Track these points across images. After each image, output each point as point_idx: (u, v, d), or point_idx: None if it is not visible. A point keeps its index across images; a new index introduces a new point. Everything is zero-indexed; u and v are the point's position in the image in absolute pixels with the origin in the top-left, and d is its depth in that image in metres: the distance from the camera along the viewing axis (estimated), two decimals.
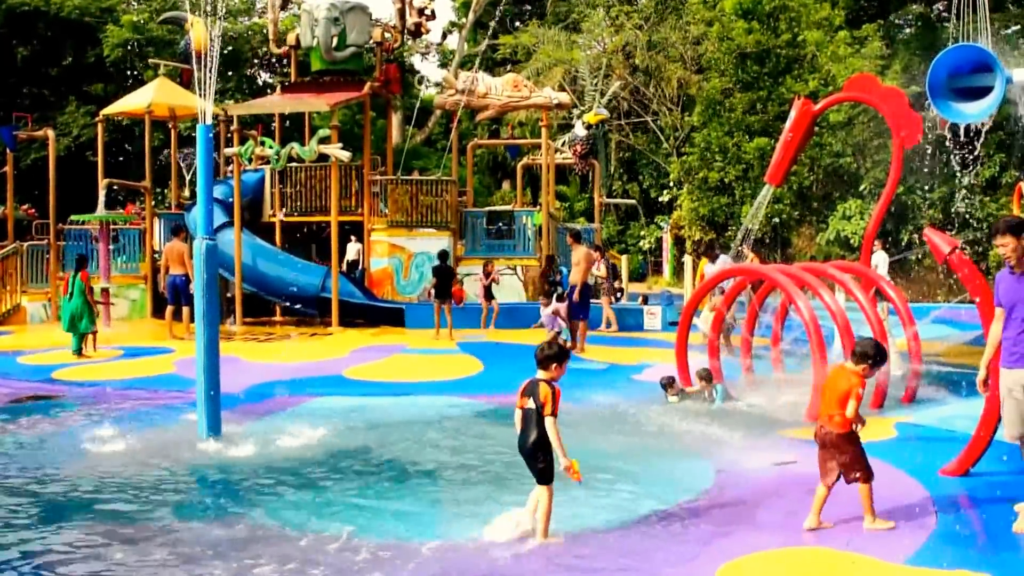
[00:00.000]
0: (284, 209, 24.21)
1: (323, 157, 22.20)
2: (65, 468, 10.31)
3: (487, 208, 27.76)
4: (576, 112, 32.22)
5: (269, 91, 40.56)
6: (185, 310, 19.90)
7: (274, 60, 44.42)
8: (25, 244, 26.68)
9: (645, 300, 24.20)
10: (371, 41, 25.34)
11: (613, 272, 23.80)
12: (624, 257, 34.02)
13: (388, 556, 7.28)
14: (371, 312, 22.50)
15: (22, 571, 7.11)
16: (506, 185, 48.30)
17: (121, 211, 28.69)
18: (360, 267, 24.94)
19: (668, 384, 13.46)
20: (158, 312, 24.11)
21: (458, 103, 25.21)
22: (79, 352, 18.53)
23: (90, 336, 18.84)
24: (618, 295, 24.34)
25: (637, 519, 8.09)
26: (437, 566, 7.04)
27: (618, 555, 7.27)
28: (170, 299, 20.59)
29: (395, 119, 34.72)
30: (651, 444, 11.06)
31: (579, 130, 29.82)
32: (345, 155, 21.75)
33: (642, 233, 44.93)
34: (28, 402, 14.88)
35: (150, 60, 36.20)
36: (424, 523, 8.17)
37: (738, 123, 35.36)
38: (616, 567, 7.04)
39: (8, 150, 28.23)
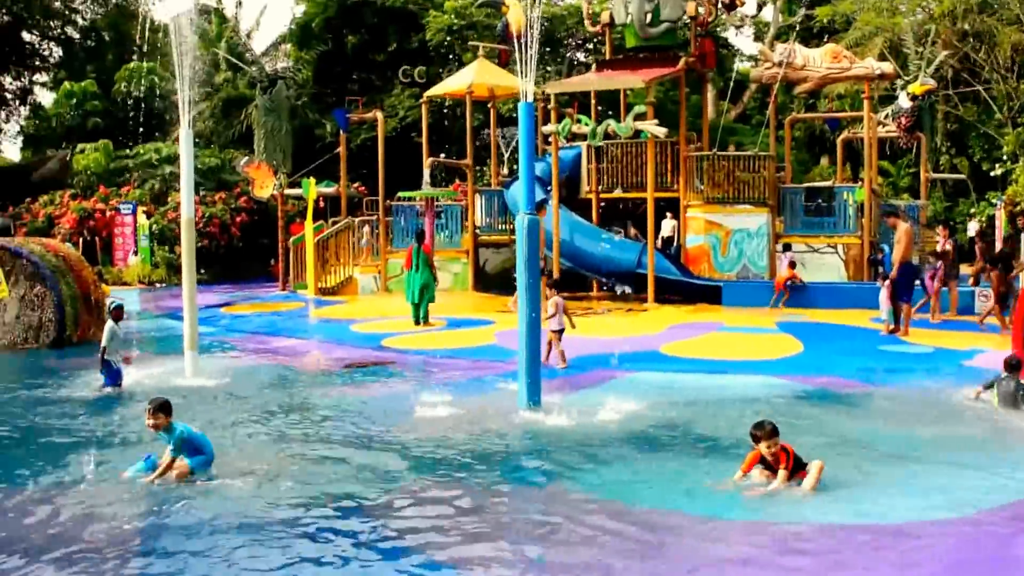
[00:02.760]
0: (600, 186, 24.43)
1: (639, 133, 22.24)
2: (394, 429, 10.88)
3: (805, 184, 27.00)
4: (900, 83, 30.67)
5: (585, 70, 41.01)
6: None
7: (589, 39, 44.87)
8: (356, 220, 28.30)
9: (976, 282, 22.85)
10: (685, 16, 25.14)
11: (990, 253, 22.43)
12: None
13: (700, 531, 7.27)
14: (687, 289, 22.39)
15: (358, 523, 7.54)
16: (824, 160, 46.73)
17: (448, 188, 29.94)
18: (675, 244, 24.85)
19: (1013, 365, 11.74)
20: (479, 285, 25.05)
21: (775, 76, 24.60)
22: (425, 320, 19.53)
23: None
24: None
25: (974, 513, 7.64)
26: (745, 545, 6.95)
27: (953, 550, 6.90)
28: None
29: (710, 94, 34.30)
30: (985, 434, 10.43)
31: (903, 102, 28.37)
32: (661, 131, 21.70)
33: (972, 210, 42.39)
34: (361, 367, 15.78)
35: (470, 43, 37.39)
36: (735, 502, 8.06)
37: None
38: (951, 562, 6.69)
39: (341, 131, 29.99)
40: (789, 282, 21.06)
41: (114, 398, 13.18)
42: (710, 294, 21.95)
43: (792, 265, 21.40)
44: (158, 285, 33.31)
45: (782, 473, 8.23)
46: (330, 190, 30.44)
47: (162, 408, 8.80)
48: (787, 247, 22.29)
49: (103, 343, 13.68)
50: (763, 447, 8.25)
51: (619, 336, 17.50)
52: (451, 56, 44.34)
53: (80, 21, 54.96)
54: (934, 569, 6.58)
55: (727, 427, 10.74)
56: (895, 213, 18.94)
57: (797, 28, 46.08)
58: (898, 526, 7.33)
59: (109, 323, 13.85)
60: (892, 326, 17.50)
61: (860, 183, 24.68)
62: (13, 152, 63.64)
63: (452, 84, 28.32)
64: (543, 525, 7.53)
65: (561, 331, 14.97)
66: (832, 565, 6.57)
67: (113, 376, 13.65)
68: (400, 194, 27.24)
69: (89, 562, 6.78)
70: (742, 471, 8.46)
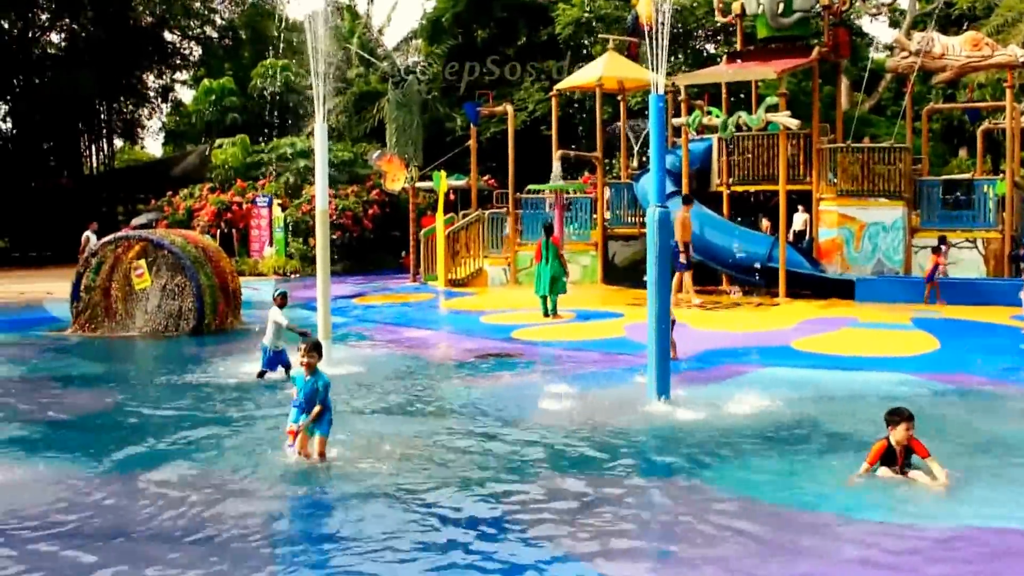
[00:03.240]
0: (731, 178, 24.18)
1: (769, 125, 21.93)
2: (523, 420, 11.03)
3: (943, 177, 26.29)
4: None
5: (715, 61, 40.61)
6: (677, 276, 20.64)
7: (719, 30, 44.44)
8: (486, 212, 28.55)
9: None
10: (818, 5, 24.68)
11: None
12: None
13: (833, 531, 7.18)
14: (818, 283, 22.03)
15: (488, 513, 7.69)
16: (963, 152, 45.50)
17: (577, 180, 29.99)
18: (807, 237, 24.46)
19: None
20: (608, 278, 25.06)
21: (912, 66, 23.98)
22: (555, 312, 19.66)
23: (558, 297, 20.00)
24: None
25: None
26: (879, 548, 6.85)
27: None
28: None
29: (843, 84, 33.63)
30: None
31: None
32: (794, 123, 21.37)
33: None
34: (491, 358, 15.97)
35: (599, 35, 37.34)
36: (868, 501, 7.93)
37: None
38: None
39: (472, 125, 30.27)
40: (934, 273, 20.45)
41: (252, 385, 13.60)
42: (842, 289, 21.55)
43: (935, 251, 20.73)
44: (292, 276, 34.10)
45: (938, 468, 8.17)
46: (460, 183, 30.74)
47: (316, 348, 9.21)
48: (943, 240, 21.57)
49: (281, 324, 13.89)
50: (901, 430, 8.17)
51: (750, 330, 17.35)
52: (581, 49, 44.36)
53: (218, 20, 56.78)
54: None
55: (860, 424, 10.55)
56: None
57: (935, 15, 44.79)
58: None
59: (274, 309, 14.08)
60: None
61: (1001, 176, 23.94)
62: (155, 147, 66.10)
63: (581, 77, 28.32)
64: (671, 519, 7.56)
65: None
66: (972, 572, 6.45)
67: (271, 361, 13.94)
68: (530, 187, 27.40)
69: (229, 548, 7.03)
70: (868, 463, 8.37)
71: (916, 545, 6.87)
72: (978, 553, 6.73)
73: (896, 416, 8.27)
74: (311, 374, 9.05)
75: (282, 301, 14.30)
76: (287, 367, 13.64)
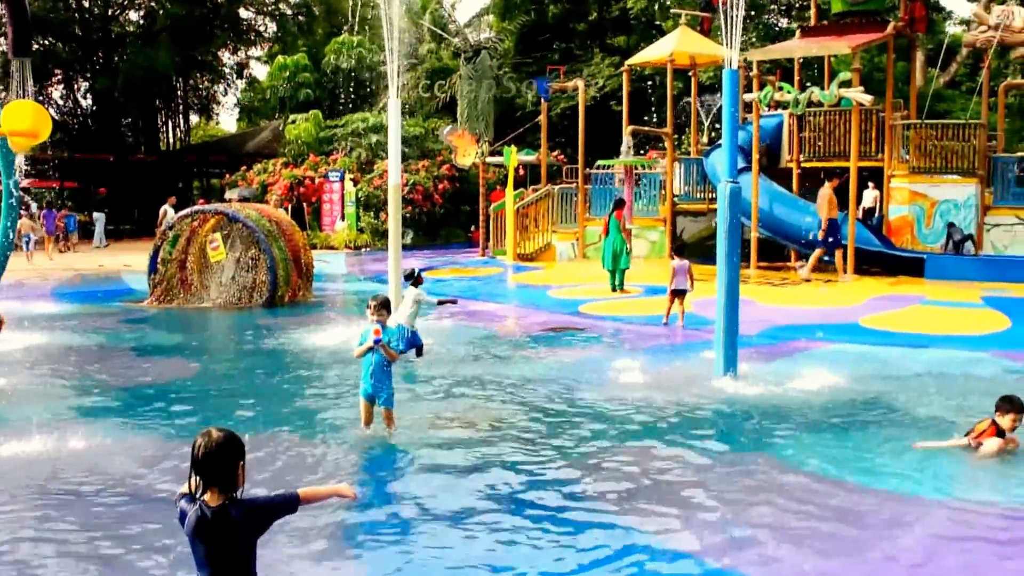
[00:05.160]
0: (802, 154, 24.02)
1: (840, 101, 21.74)
2: (589, 395, 11.11)
3: (1019, 154, 25.88)
4: None
5: (788, 36, 40.18)
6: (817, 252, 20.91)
7: (792, 5, 44.00)
8: (555, 187, 28.68)
9: None
10: None
11: None
12: None
13: (892, 509, 7.20)
14: (888, 261, 21.87)
15: (553, 487, 7.81)
16: None
17: (643, 156, 29.96)
18: (877, 214, 24.25)
19: None
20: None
21: (990, 40, 23.63)
22: (621, 287, 19.76)
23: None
24: None
25: None
26: (940, 525, 6.90)
27: None
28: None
29: (918, 60, 33.14)
30: None
31: None
32: (867, 98, 21.12)
33: None
34: (558, 332, 16.13)
35: (671, 11, 37.14)
36: (929, 479, 7.92)
37: None
38: None
39: (542, 100, 30.39)
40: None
41: (325, 356, 13.77)
42: (912, 266, 21.38)
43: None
44: (363, 250, 34.50)
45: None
46: (530, 158, 30.90)
47: (385, 305, 9.26)
48: None
49: (430, 302, 13.86)
50: (1008, 420, 8.28)
51: (817, 307, 17.32)
52: (652, 24, 44.14)
53: None
54: None
55: (927, 401, 10.61)
56: None
57: None
58: None
59: (410, 288, 13.40)
60: None
61: None
62: (230, 123, 67.01)
63: (653, 52, 28.27)
64: (734, 494, 7.59)
65: (681, 292, 15.89)
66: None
67: (409, 342, 12.91)
68: (599, 162, 27.47)
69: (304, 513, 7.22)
70: (973, 438, 8.47)
71: (980, 522, 6.91)
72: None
73: (1008, 405, 8.32)
74: (384, 329, 9.10)
75: (419, 279, 13.62)
76: (419, 348, 13.14)
